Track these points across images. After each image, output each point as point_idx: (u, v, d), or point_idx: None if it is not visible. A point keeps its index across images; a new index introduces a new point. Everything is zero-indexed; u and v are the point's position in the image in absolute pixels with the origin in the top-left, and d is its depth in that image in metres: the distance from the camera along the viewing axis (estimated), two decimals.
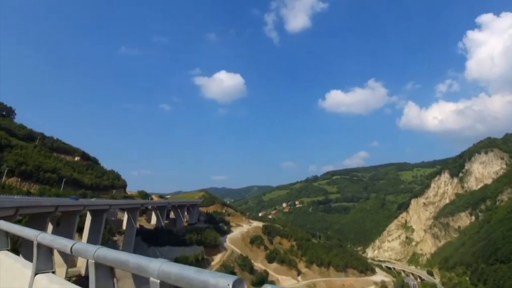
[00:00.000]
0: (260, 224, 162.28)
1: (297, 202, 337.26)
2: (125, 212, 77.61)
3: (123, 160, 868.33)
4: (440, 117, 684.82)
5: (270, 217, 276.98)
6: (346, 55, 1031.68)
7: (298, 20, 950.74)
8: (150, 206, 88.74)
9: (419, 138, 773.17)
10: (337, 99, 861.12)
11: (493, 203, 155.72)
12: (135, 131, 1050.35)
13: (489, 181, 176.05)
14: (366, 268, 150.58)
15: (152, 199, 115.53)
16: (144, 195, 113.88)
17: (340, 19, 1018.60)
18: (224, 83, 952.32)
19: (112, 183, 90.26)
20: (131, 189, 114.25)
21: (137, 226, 77.86)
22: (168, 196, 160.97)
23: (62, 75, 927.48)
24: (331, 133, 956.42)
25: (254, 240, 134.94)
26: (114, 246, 66.96)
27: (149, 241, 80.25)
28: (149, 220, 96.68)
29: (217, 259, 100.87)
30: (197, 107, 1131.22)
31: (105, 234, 64.56)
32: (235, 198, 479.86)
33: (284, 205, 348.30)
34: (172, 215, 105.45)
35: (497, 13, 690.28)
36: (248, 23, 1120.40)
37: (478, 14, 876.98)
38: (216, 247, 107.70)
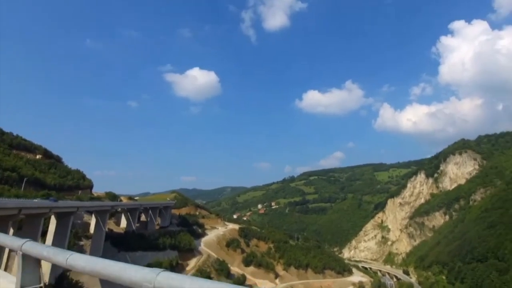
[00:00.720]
0: (236, 226, 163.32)
1: (273, 203, 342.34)
2: (93, 215, 75.53)
3: (86, 159, 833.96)
4: (413, 119, 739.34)
5: (244, 218, 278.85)
6: (324, 56, 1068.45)
7: (276, 19, 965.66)
8: (120, 209, 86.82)
9: (393, 139, 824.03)
10: (314, 99, 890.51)
11: (467, 203, 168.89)
12: (99, 129, 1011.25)
13: (462, 181, 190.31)
14: (343, 269, 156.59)
15: (121, 200, 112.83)
16: (113, 196, 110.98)
17: (319, 20, 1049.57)
18: (198, 80, 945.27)
19: (77, 184, 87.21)
20: (96, 190, 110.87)
21: (106, 229, 76.07)
22: (136, 198, 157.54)
23: (21, 68, 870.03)
24: (307, 134, 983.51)
25: (231, 243, 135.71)
26: (81, 251, 65.26)
27: (119, 246, 78.70)
28: (118, 223, 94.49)
29: (192, 263, 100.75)
30: (167, 104, 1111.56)
31: (71, 239, 62.67)
32: (207, 199, 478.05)
33: (259, 206, 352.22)
34: (143, 217, 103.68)
35: (468, 20, 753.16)
36: (224, 20, 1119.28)
37: (451, 21, 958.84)
38: (191, 252, 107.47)
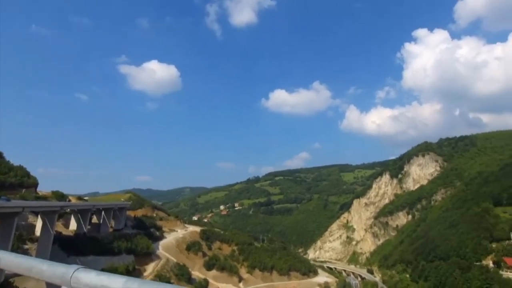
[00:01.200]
0: (198, 228, 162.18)
1: (236, 204, 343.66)
2: (39, 216, 71.47)
3: (28, 155, 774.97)
4: (378, 122, 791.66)
5: (205, 220, 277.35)
6: (293, 55, 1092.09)
7: (243, 15, 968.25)
8: (69, 209, 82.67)
9: (358, 140, 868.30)
10: (281, 99, 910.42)
11: (428, 203, 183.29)
12: (43, 122, 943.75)
13: (425, 182, 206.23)
14: (309, 270, 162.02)
15: (69, 200, 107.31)
16: (60, 196, 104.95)
17: (288, 19, 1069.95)
18: (156, 74, 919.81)
19: (20, 181, 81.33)
20: (41, 189, 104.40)
21: (54, 232, 72.27)
22: (86, 198, 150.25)
23: None
24: (273, 133, 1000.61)
25: (191, 247, 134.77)
26: (26, 255, 61.37)
27: (69, 250, 75.06)
28: (67, 226, 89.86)
29: (150, 268, 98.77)
30: (121, 99, 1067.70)
31: (15, 242, 58.89)
32: (163, 200, 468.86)
33: (221, 207, 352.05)
34: (95, 219, 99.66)
35: (431, 29, 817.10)
36: (187, 12, 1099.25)
37: (415, 28, 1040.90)
38: (149, 256, 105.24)
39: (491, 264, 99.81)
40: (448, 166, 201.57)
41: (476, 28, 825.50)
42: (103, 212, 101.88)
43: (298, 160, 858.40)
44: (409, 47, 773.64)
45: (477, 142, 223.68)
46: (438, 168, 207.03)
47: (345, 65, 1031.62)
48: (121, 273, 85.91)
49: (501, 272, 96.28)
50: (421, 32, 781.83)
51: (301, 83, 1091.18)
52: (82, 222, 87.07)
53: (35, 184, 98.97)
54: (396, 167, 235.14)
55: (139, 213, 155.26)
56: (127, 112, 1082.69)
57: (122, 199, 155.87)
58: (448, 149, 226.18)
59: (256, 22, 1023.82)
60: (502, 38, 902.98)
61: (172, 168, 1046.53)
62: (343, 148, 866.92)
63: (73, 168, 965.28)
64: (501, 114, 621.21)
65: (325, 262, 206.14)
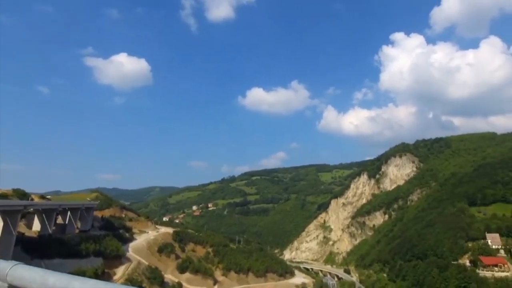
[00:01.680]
0: (170, 230, 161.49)
1: (210, 205, 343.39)
2: None
3: None
4: (355, 122, 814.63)
5: (177, 221, 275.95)
6: (271, 53, 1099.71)
7: (221, 10, 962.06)
8: (32, 209, 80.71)
9: (335, 141, 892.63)
10: (258, 97, 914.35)
11: (405, 203, 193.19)
12: (0, 116, 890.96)
13: (401, 182, 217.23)
14: (285, 271, 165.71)
15: (32, 199, 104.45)
16: (22, 194, 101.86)
17: (267, 16, 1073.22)
18: (125, 67, 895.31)
19: None
20: None
21: (16, 233, 70.74)
22: (49, 197, 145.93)
23: None
24: (249, 132, 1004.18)
25: (163, 249, 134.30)
26: None
27: (33, 252, 73.47)
28: (30, 226, 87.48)
29: (120, 272, 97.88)
30: (86, 93, 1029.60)
31: None
32: (131, 200, 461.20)
33: (194, 207, 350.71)
34: (60, 220, 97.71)
35: (407, 33, 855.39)
36: (161, 4, 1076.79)
37: (392, 32, 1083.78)
38: (118, 258, 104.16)
39: (467, 263, 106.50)
40: (424, 167, 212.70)
41: (451, 34, 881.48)
42: (69, 212, 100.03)
43: (275, 160, 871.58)
44: (386, 50, 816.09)
45: (452, 144, 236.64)
46: (415, 169, 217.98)
47: (324, 66, 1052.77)
48: (90, 277, 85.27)
49: (478, 271, 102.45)
50: (398, 36, 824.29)
51: (279, 82, 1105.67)
52: (47, 223, 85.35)
53: None
54: (374, 168, 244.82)
55: (107, 213, 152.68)
56: (92, 107, 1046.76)
57: (88, 199, 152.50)
58: (424, 150, 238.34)
59: (234, 17, 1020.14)
60: (474, 45, 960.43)
61: (140, 167, 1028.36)
62: (320, 148, 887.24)
63: (32, 165, 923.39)
64: (471, 117, 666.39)
65: (301, 262, 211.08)
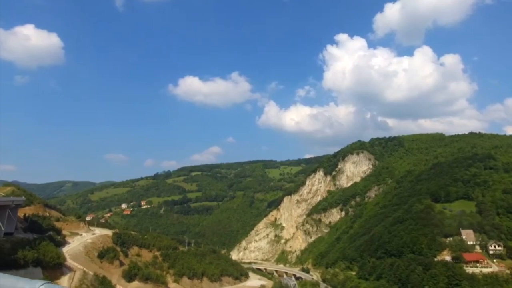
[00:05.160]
0: (108, 232, 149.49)
1: (142, 203, 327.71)
2: None
3: None
4: (296, 119, 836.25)
5: (103, 221, 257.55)
6: (210, 41, 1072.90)
7: None
8: None
9: (276, 137, 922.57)
10: (192, 86, 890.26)
11: (362, 200, 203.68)
12: None
13: (358, 179, 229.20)
14: (240, 273, 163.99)
15: None
16: None
17: (207, 0, 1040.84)
18: (31, 41, 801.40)
19: None
20: None
21: None
22: None
23: None
24: (179, 124, 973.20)
25: (105, 254, 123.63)
26: None
27: None
28: None
29: (65, 283, 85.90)
30: None
31: None
32: (38, 196, 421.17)
33: (123, 206, 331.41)
34: None
35: (351, 35, 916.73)
36: None
37: (337, 33, 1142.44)
38: (59, 267, 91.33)
39: (447, 259, 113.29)
40: (379, 165, 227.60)
41: (390, 40, 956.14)
42: None
43: (209, 155, 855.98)
44: (331, 49, 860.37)
45: (405, 143, 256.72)
46: (371, 166, 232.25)
47: (268, 60, 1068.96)
48: None
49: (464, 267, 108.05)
50: (342, 37, 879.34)
51: (218, 72, 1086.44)
52: None
53: None
54: (330, 164, 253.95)
55: (28, 211, 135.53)
56: None
57: (2, 194, 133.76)
58: (379, 148, 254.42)
59: None
60: (410, 53, 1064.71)
61: (44, 158, 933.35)
62: (260, 144, 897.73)
63: None
64: (403, 119, 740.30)
65: (251, 263, 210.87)
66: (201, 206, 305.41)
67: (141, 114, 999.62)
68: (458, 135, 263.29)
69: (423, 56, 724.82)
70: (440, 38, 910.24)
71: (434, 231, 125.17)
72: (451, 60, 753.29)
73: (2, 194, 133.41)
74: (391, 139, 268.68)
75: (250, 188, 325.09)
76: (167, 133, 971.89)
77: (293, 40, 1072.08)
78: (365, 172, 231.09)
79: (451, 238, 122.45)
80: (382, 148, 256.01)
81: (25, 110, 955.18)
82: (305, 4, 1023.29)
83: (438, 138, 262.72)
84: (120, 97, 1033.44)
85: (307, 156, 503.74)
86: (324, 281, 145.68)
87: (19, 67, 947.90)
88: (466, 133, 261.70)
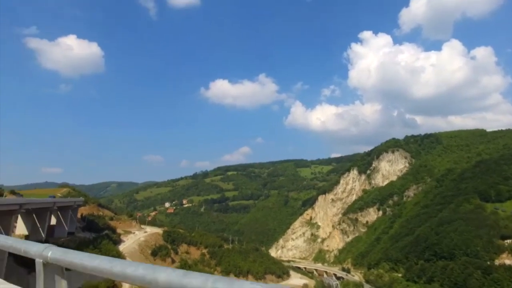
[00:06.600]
0: (159, 230, 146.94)
1: (184, 201, 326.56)
2: None
3: None
4: (322, 119, 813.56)
5: (149, 219, 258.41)
6: (237, 44, 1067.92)
7: None
8: (28, 208, 63.23)
9: (302, 136, 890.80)
10: (222, 89, 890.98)
11: (400, 199, 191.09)
12: None
13: (394, 178, 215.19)
14: (283, 272, 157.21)
15: (5, 195, 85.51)
16: None
17: (234, 5, 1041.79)
18: (74, 51, 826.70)
19: None
20: None
21: None
22: (21, 193, 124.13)
23: None
24: (211, 126, 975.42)
25: (157, 251, 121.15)
26: None
27: (30, 264, 56.78)
28: (6, 229, 69.57)
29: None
30: (27, 78, 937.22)
31: None
32: (83, 195, 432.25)
33: (167, 205, 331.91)
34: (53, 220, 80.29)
35: (376, 32, 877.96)
36: None
37: (361, 30, 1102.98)
38: None
39: (507, 263, 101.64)
40: (416, 163, 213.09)
41: (417, 35, 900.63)
42: (58, 212, 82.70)
43: (239, 155, 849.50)
44: (355, 47, 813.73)
45: (443, 140, 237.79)
46: (407, 165, 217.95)
47: (293, 60, 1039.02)
48: None
49: None
50: (366, 34, 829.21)
51: (245, 75, 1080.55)
52: (38, 225, 68.03)
53: None
54: (364, 163, 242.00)
55: (84, 211, 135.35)
56: (34, 94, 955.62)
57: (59, 194, 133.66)
58: (415, 146, 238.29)
59: (198, 4, 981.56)
60: (437, 47, 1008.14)
61: (89, 161, 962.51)
62: (286, 144, 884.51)
63: None
64: (432, 116, 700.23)
65: (289, 261, 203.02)
66: (238, 204, 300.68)
67: (176, 117, 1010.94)
68: (502, 130, 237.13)
69: (452, 50, 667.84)
70: (470, 31, 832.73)
71: (490, 232, 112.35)
72: (483, 53, 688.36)
73: (59, 195, 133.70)
74: (427, 136, 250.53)
75: (283, 187, 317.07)
76: (200, 134, 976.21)
77: (317, 39, 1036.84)
78: (402, 171, 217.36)
79: (509, 241, 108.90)
80: (418, 146, 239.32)
81: (70, 116, 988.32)
82: (328, 3, 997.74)
83: (478, 134, 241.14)
84: (155, 102, 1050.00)
85: (333, 155, 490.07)
86: (367, 282, 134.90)
87: (63, 76, 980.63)
88: (503, 129, 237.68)
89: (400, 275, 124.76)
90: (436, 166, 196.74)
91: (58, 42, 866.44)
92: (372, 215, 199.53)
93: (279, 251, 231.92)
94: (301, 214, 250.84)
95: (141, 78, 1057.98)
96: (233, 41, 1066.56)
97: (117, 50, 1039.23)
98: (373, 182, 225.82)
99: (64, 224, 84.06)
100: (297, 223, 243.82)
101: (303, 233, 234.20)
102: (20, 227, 70.74)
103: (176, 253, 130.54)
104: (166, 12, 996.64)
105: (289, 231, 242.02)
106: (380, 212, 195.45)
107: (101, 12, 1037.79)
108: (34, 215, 67.95)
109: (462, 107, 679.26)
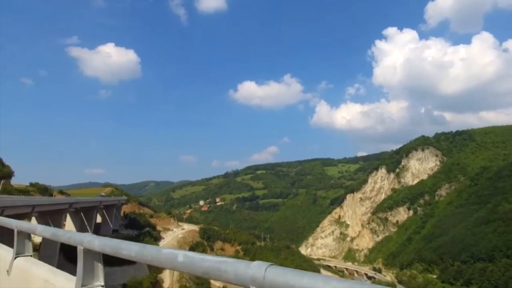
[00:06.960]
0: (195, 227, 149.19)
1: (217, 199, 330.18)
2: (33, 217, 54.98)
3: None
4: (347, 117, 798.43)
5: (185, 217, 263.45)
6: (264, 46, 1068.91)
7: (212, 0, 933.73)
8: (77, 207, 65.90)
9: (327, 135, 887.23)
10: (250, 91, 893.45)
11: (432, 198, 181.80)
12: None
13: (424, 177, 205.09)
14: (314, 270, 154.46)
15: (54, 195, 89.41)
16: (43, 189, 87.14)
17: (260, 8, 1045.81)
18: (112, 58, 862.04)
19: None
20: None
21: None
22: (68, 193, 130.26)
23: None
24: (239, 127, 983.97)
25: (195, 248, 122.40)
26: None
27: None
28: (60, 227, 72.84)
29: (167, 278, 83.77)
30: (70, 85, 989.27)
31: None
32: (126, 195, 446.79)
33: (201, 203, 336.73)
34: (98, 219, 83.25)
35: (400, 28, 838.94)
36: None
37: (385, 27, 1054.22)
38: None
39: None
40: (448, 161, 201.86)
41: (444, 29, 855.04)
42: (104, 210, 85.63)
43: (267, 155, 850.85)
44: (379, 44, 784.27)
45: (476, 137, 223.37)
46: (438, 163, 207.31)
47: (317, 60, 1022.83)
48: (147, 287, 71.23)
49: None
50: (391, 31, 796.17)
51: (271, 75, 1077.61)
52: (86, 223, 70.49)
53: (9, 174, 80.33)
54: (393, 161, 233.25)
55: (126, 209, 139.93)
56: (77, 100, 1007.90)
57: (103, 194, 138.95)
58: (446, 143, 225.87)
59: (226, 8, 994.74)
60: (467, 41, 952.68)
61: (129, 161, 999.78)
62: (312, 143, 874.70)
63: (15, 159, 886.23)
64: (462, 113, 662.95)
65: (319, 259, 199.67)
66: (268, 202, 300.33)
67: (206, 119, 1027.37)
68: None
69: (483, 43, 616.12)
70: (502, 23, 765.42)
71: None
72: None
73: (103, 194, 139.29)
74: (459, 133, 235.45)
75: (311, 186, 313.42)
76: (229, 135, 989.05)
77: (340, 38, 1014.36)
78: (432, 169, 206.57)
79: None
80: (450, 143, 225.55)
81: (108, 120, 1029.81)
82: (349, 2, 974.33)
83: None
84: (188, 104, 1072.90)
85: (359, 153, 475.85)
86: (400, 282, 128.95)
87: (103, 82, 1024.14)
88: None
89: (434, 276, 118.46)
90: (470, 164, 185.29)
91: (98, 50, 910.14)
92: (402, 214, 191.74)
93: (309, 249, 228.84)
94: (329, 212, 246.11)
95: (174, 82, 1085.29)
96: (259, 43, 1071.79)
97: (152, 56, 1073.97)
98: (402, 181, 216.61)
99: (109, 221, 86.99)
100: (326, 222, 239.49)
101: (332, 232, 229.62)
102: (69, 225, 73.75)
103: (212, 249, 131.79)
104: (196, 18, 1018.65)
105: (318, 229, 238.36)
106: (411, 212, 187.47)
107: (136, 20, 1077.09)
108: (82, 213, 70.65)
109: (495, 102, 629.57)
